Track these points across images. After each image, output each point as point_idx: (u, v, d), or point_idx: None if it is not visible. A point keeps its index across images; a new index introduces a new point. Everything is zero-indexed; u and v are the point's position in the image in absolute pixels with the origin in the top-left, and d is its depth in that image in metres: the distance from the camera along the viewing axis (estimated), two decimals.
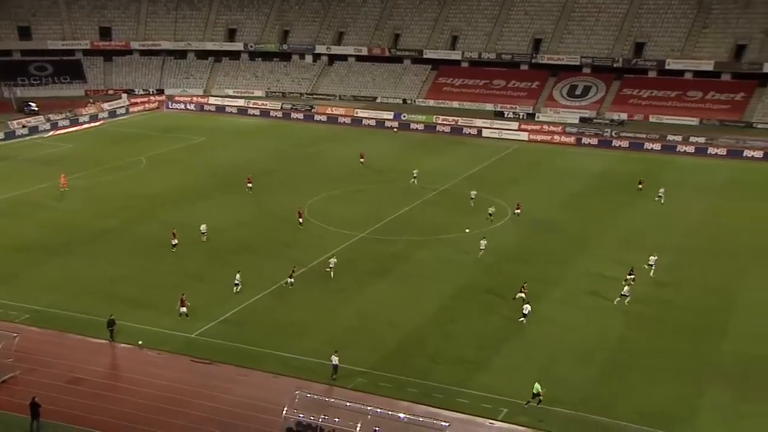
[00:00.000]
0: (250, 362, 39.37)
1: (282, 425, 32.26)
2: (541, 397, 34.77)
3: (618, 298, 45.85)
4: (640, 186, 68.66)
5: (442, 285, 49.08)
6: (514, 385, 37.23)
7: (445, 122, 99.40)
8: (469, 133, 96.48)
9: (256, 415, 34.57)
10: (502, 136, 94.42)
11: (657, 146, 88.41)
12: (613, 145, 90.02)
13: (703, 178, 75.44)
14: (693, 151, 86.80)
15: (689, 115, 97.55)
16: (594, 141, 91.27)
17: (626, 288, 45.96)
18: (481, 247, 53.00)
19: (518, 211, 61.81)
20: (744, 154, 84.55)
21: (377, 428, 31.09)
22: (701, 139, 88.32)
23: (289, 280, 48.19)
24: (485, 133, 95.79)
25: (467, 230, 57.69)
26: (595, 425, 34.19)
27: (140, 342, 41.15)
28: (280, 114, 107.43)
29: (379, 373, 38.15)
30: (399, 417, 31.61)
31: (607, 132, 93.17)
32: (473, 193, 65.60)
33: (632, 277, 47.22)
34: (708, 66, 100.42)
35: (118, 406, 35.37)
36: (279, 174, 75.65)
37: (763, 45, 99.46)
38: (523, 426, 34.13)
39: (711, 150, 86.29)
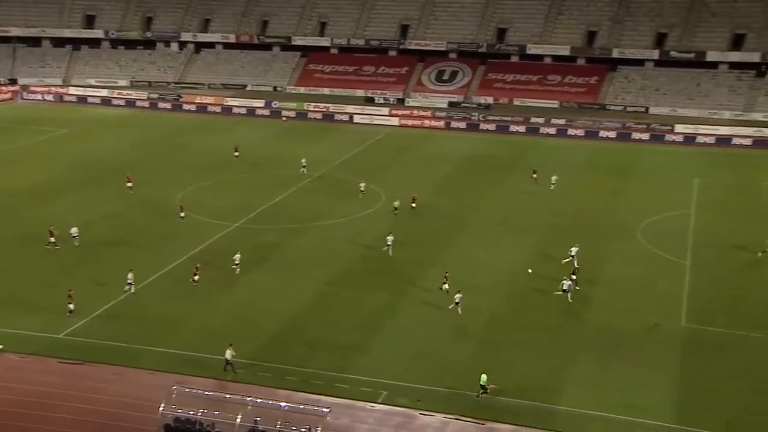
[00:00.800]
0: (124, 360, 37.91)
1: (159, 422, 31.26)
2: (488, 389, 34.82)
3: (559, 292, 45.11)
4: (535, 176, 68.72)
5: (319, 272, 48.95)
6: (393, 367, 37.69)
7: (316, 109, 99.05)
8: (341, 120, 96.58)
9: (131, 413, 33.34)
10: (374, 122, 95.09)
11: (522, 129, 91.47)
12: (480, 128, 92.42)
13: (564, 158, 78.60)
14: (555, 132, 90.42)
15: (550, 98, 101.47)
16: (462, 125, 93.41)
17: (567, 284, 45.07)
18: (388, 243, 51.73)
19: (414, 204, 60.53)
20: (600, 135, 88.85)
21: (258, 419, 30.69)
22: (561, 121, 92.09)
23: (195, 277, 46.51)
24: (357, 119, 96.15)
25: (530, 270, 48.90)
26: (471, 401, 35.07)
27: (1, 346, 38.76)
28: (146, 104, 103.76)
29: (259, 363, 37.67)
30: (279, 406, 31.31)
31: (474, 116, 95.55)
32: (362, 184, 64.60)
33: (575, 278, 45.96)
34: (565, 51, 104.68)
35: None
36: (147, 165, 73.13)
37: (611, 32, 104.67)
38: (403, 407, 34.58)
39: (571, 131, 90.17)
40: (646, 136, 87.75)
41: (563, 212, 61.22)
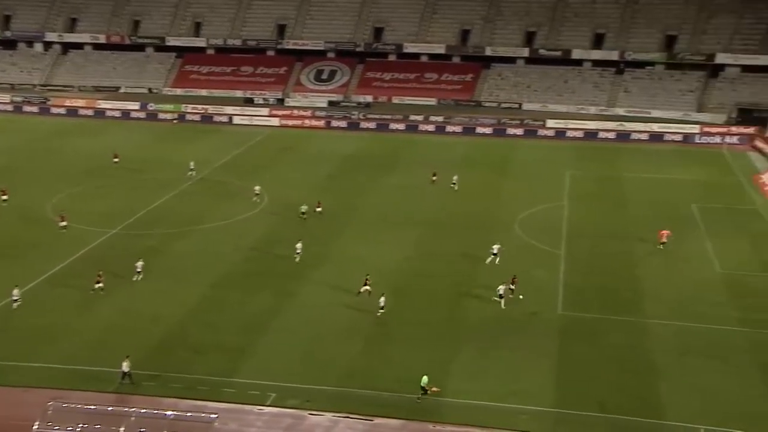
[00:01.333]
0: None
1: None
2: (429, 392, 34.73)
3: (495, 298, 44.58)
4: (434, 178, 68.19)
5: (203, 275, 48.02)
6: (281, 368, 37.48)
7: (194, 111, 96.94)
8: (220, 121, 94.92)
9: None
10: (254, 123, 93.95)
11: (401, 126, 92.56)
12: (361, 126, 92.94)
13: (444, 154, 79.96)
14: (433, 129, 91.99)
15: (427, 95, 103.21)
16: (343, 124, 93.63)
17: (503, 288, 44.39)
18: (298, 251, 50.48)
19: (319, 209, 59.05)
20: (476, 131, 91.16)
21: (142, 429, 29.87)
22: (440, 118, 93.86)
23: (96, 286, 44.55)
24: (236, 120, 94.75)
25: (521, 296, 45.30)
26: (360, 398, 35.33)
27: None
28: (10, 107, 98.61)
29: (142, 372, 36.47)
30: (165, 415, 30.58)
31: (354, 114, 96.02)
32: (257, 188, 63.17)
33: (513, 287, 45.26)
34: (440, 49, 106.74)
35: None
36: (16, 172, 69.52)
37: (483, 30, 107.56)
38: (292, 408, 34.43)
39: (449, 128, 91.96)
40: (520, 131, 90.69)
41: (444, 208, 62.40)
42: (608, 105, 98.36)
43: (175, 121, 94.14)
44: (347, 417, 33.93)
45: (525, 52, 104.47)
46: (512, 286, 45.16)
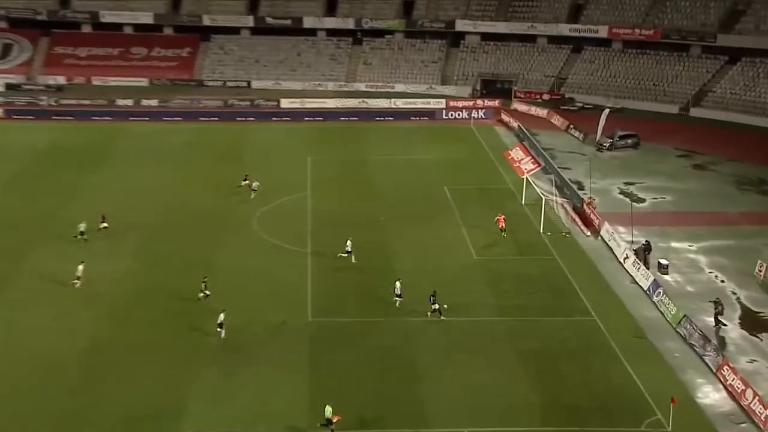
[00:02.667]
0: None
1: None
2: (332, 424, 34.19)
3: (396, 298, 45.60)
4: (246, 182, 65.03)
5: None
6: None
7: None
8: None
9: None
10: None
11: (106, 113, 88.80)
12: (53, 115, 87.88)
13: (160, 144, 77.84)
14: (147, 115, 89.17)
15: (137, 75, 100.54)
16: (29, 112, 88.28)
17: (398, 285, 46.06)
18: (78, 273, 47.15)
19: (104, 224, 54.96)
20: (200, 115, 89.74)
21: None
22: (154, 102, 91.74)
23: None
24: None
25: (445, 306, 45.48)
26: None
27: None
28: None
29: None
30: None
31: (44, 100, 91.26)
32: None
33: (437, 307, 45.00)
34: (147, 18, 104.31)
35: None
36: None
37: None
38: None
39: (166, 113, 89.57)
40: (251, 113, 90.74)
41: (168, 208, 61.06)
42: (348, 80, 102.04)
43: None
44: None
45: (249, 21, 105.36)
46: (435, 306, 45.27)
